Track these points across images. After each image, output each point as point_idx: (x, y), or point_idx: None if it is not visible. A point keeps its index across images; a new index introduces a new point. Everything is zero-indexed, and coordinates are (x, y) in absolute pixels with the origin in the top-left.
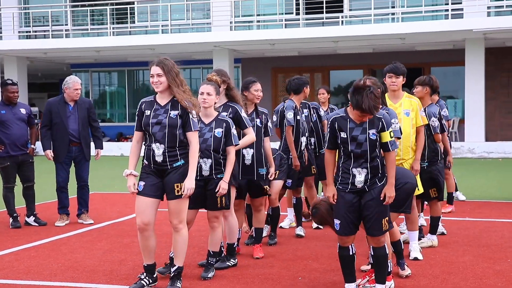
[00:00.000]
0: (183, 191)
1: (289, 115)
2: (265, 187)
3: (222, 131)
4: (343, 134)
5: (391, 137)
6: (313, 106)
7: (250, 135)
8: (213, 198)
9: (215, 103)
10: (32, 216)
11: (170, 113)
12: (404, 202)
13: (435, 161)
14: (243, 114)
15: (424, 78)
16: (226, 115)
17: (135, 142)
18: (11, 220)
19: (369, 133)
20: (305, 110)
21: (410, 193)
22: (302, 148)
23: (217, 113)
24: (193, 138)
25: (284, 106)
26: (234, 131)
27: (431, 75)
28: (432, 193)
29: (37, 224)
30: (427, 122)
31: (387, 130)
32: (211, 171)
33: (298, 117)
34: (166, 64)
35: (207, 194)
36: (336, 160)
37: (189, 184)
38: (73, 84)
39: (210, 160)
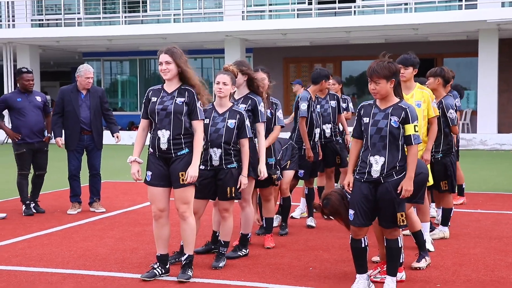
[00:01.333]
0: (186, 179)
1: (303, 106)
2: (273, 176)
3: (235, 123)
4: (366, 120)
5: (415, 131)
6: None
7: (260, 133)
8: (223, 188)
9: (233, 93)
10: (32, 203)
11: (176, 100)
12: (418, 193)
13: (449, 153)
14: (260, 108)
15: (436, 69)
16: (245, 107)
17: (141, 130)
18: (23, 207)
19: (391, 119)
20: (333, 102)
21: (424, 184)
22: (316, 140)
23: (232, 103)
24: (199, 127)
25: (299, 97)
26: (248, 123)
27: (443, 67)
28: (443, 185)
29: (35, 211)
30: (439, 114)
31: (412, 123)
32: (221, 161)
33: (312, 108)
34: (174, 52)
35: (217, 184)
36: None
37: (192, 172)
38: (85, 72)
39: (220, 150)
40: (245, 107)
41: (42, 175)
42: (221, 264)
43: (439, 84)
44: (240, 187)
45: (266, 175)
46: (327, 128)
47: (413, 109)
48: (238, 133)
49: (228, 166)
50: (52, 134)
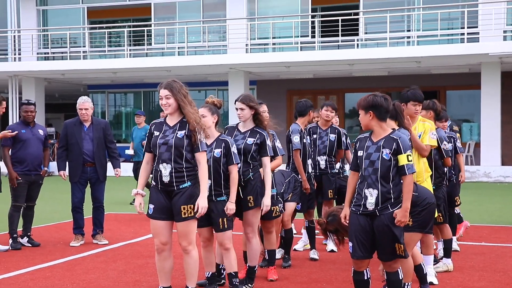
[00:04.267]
0: (195, 210)
1: (295, 138)
2: (273, 207)
3: (221, 151)
4: (360, 153)
5: (408, 161)
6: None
7: (267, 166)
8: (216, 220)
9: (215, 122)
10: (25, 237)
11: (177, 133)
12: (429, 222)
13: (441, 186)
14: (268, 142)
15: (428, 102)
16: (254, 141)
17: (145, 163)
18: (10, 241)
19: (382, 151)
20: (332, 135)
21: (433, 213)
22: (310, 171)
23: (219, 133)
24: (202, 159)
25: (290, 131)
26: (234, 150)
27: (434, 100)
28: (437, 218)
29: (30, 245)
30: (436, 145)
31: (404, 153)
32: (210, 192)
33: (304, 140)
34: (174, 86)
35: (211, 215)
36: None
37: (202, 203)
38: (78, 104)
39: (209, 181)
40: (254, 141)
41: (32, 207)
42: None
43: (431, 116)
44: (229, 214)
45: (269, 208)
46: (322, 159)
47: (404, 139)
48: (225, 161)
49: (218, 199)
50: (57, 167)
